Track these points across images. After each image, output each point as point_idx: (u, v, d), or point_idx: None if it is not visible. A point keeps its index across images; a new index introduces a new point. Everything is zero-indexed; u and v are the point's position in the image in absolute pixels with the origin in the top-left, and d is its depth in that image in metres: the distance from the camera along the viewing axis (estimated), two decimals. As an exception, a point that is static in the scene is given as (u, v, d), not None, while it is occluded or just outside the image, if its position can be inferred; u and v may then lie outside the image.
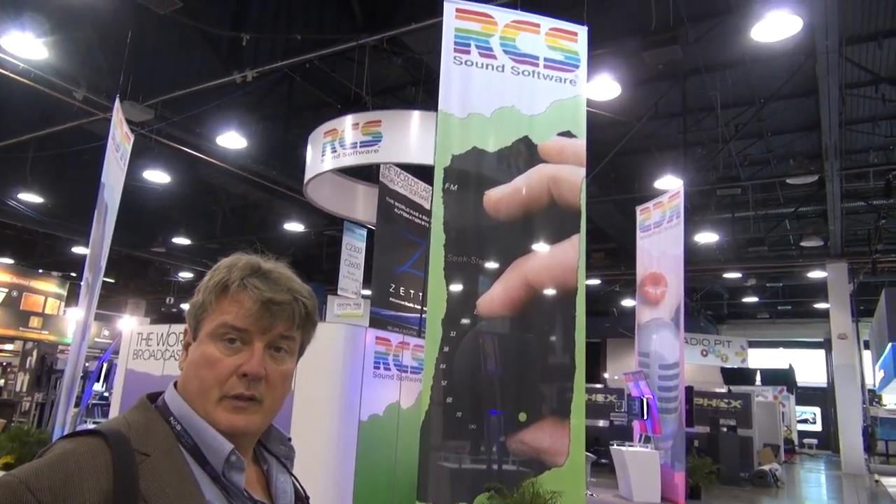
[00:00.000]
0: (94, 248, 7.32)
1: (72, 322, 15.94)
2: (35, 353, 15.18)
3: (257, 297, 0.85)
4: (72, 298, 17.19)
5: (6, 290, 16.06)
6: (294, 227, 15.89)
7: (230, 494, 0.82)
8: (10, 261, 17.70)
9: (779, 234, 16.77)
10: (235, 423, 0.84)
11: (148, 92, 9.35)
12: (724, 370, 20.57)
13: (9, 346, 16.75)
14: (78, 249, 16.88)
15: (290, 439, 0.97)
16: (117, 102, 7.49)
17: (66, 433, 0.79)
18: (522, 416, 5.48)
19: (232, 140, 10.48)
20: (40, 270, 18.03)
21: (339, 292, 11.40)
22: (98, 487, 0.72)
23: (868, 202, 13.55)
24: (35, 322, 16.50)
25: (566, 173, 5.87)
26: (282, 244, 16.78)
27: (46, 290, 17.16)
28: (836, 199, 12.25)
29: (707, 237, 14.31)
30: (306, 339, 0.94)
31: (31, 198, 13.01)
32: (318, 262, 18.11)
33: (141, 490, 0.73)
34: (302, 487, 0.99)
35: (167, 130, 10.57)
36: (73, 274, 18.46)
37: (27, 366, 15.09)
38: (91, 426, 0.83)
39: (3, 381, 15.99)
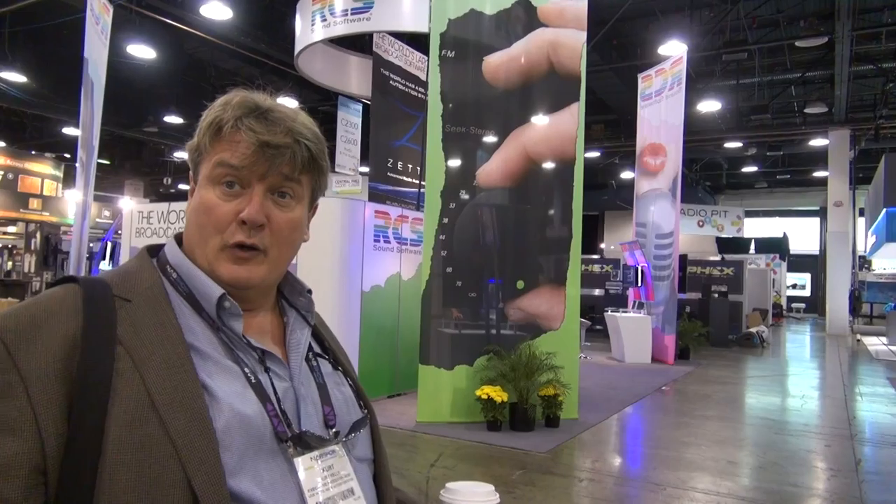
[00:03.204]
0: (85, 127, 7.21)
1: (71, 203, 15.99)
2: (38, 235, 15.38)
3: (253, 140, 0.79)
4: (69, 180, 17.11)
5: (1, 172, 15.96)
6: (287, 102, 15.48)
7: (229, 340, 0.80)
8: (0, 143, 17.44)
9: (783, 102, 16.42)
10: (238, 274, 0.80)
11: (123, -43, 8.80)
12: (719, 240, 20.89)
13: (12, 229, 16.92)
14: (69, 130, 16.57)
15: (309, 291, 0.92)
16: (92, -31, 7.06)
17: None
18: (520, 284, 5.65)
19: (216, 10, 9.96)
20: (33, 152, 17.82)
21: (336, 169, 11.35)
22: (62, 328, 0.70)
23: (877, 65, 13.17)
24: (34, 204, 16.53)
25: (566, 38, 5.66)
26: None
27: (42, 171, 17.05)
28: (844, 61, 11.89)
29: (710, 105, 14.03)
30: (317, 186, 0.88)
31: (13, 77, 12.58)
32: (313, 139, 17.82)
33: (118, 335, 0.72)
34: (329, 339, 0.96)
35: (147, 1, 10.04)
36: (67, 155, 18.25)
37: (32, 247, 15.35)
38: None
39: (10, 263, 16.32)
